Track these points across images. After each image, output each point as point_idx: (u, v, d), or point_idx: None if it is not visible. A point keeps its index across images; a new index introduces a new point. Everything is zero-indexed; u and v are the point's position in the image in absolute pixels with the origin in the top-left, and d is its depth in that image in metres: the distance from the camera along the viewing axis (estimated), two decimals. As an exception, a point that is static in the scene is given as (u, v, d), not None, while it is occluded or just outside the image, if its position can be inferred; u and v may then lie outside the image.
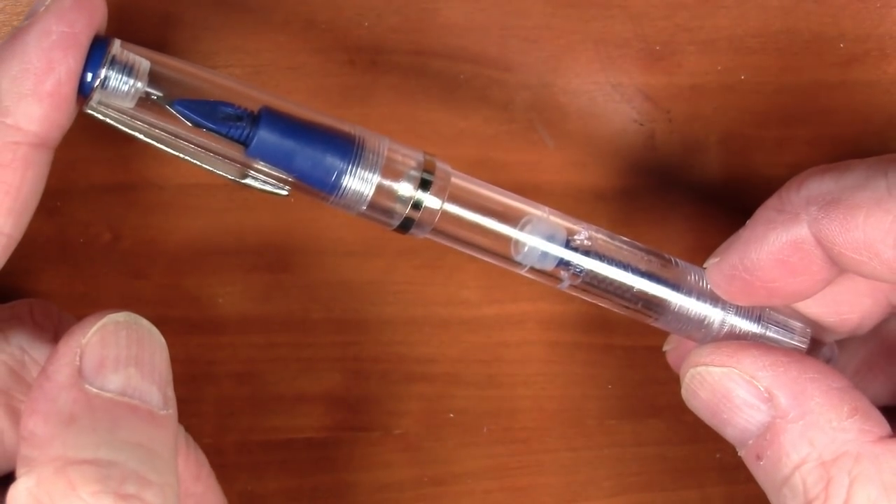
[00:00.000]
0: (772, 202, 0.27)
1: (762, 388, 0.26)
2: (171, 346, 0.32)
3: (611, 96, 0.32)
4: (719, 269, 0.28)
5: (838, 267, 0.27)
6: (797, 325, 0.29)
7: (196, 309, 0.32)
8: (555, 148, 0.33)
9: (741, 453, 0.27)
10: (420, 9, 0.31)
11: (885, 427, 0.26)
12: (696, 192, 0.34)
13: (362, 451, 0.34)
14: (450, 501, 0.35)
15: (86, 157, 0.30)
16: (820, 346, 0.29)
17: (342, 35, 0.30)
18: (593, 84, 0.32)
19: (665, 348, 0.30)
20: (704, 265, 0.28)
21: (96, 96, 0.24)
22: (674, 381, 0.36)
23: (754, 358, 0.26)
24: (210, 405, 0.33)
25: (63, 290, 0.31)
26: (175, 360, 0.32)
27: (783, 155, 0.34)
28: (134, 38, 0.29)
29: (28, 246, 0.30)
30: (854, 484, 0.25)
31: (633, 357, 0.35)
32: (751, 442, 0.26)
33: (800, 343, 0.29)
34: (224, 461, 0.33)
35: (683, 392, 0.28)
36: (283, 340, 0.33)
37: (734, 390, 0.26)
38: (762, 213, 0.27)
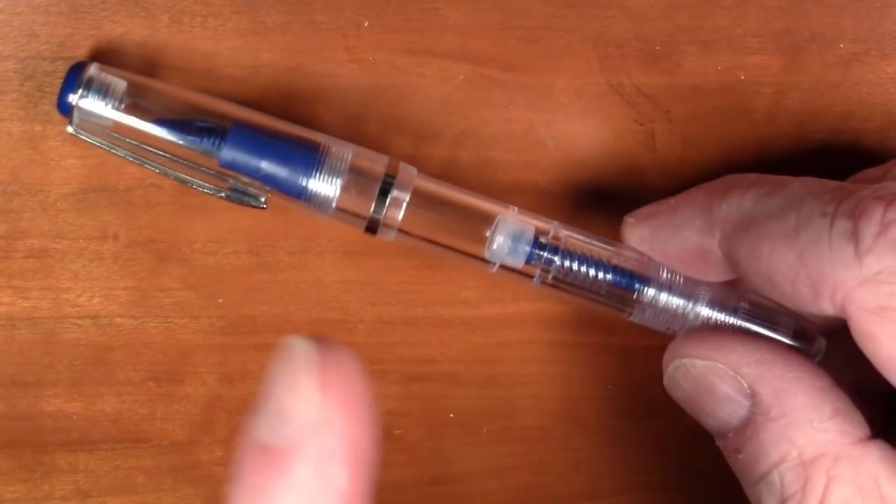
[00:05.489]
0: (698, 197, 0.28)
1: (745, 385, 0.26)
2: (169, 346, 0.32)
3: (611, 96, 0.32)
4: (633, 232, 0.29)
5: (738, 274, 0.27)
6: (782, 318, 0.29)
7: (195, 309, 0.32)
8: (555, 148, 0.33)
9: (719, 443, 0.27)
10: (420, 9, 0.31)
11: (864, 429, 0.26)
12: (696, 192, 0.34)
13: (362, 451, 0.34)
14: (450, 501, 0.35)
15: (85, 156, 0.30)
16: (810, 341, 0.29)
17: (342, 35, 0.30)
18: (593, 84, 0.32)
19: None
20: (624, 218, 0.29)
21: (76, 115, 0.27)
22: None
23: (739, 353, 0.27)
24: (209, 405, 0.33)
25: (66, 291, 0.31)
26: (171, 360, 0.32)
27: (783, 155, 0.34)
28: (133, 39, 0.29)
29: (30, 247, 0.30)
30: (830, 484, 0.25)
31: (632, 357, 0.35)
32: (730, 435, 0.26)
33: (782, 336, 0.29)
34: (223, 461, 0.33)
35: (666, 381, 0.28)
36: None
37: (717, 384, 0.27)
38: (685, 207, 0.28)
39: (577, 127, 0.32)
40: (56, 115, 0.29)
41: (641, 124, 0.33)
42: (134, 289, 0.31)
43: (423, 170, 0.29)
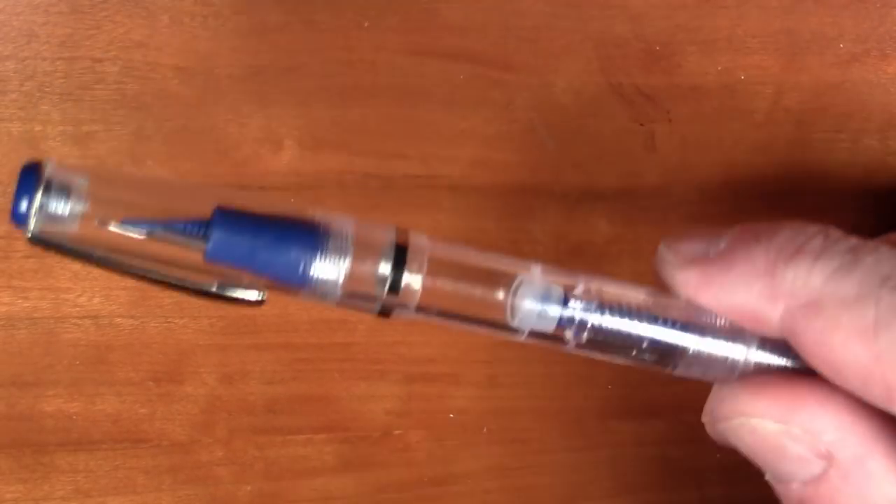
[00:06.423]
0: (758, 255, 0.25)
1: (823, 449, 0.24)
2: (169, 346, 0.32)
3: (611, 96, 0.32)
4: (678, 275, 0.25)
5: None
6: None
7: (195, 309, 0.32)
8: (555, 148, 0.33)
9: (776, 486, 0.25)
10: (420, 9, 0.31)
11: None
12: (696, 192, 0.34)
13: (362, 451, 0.34)
14: (450, 501, 0.35)
15: (84, 156, 0.30)
16: None
17: (342, 35, 0.30)
18: (593, 84, 0.32)
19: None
20: (660, 250, 0.26)
21: (35, 224, 0.22)
22: (674, 381, 0.36)
23: (818, 418, 0.24)
24: (209, 405, 0.33)
25: (66, 291, 0.31)
26: (171, 360, 0.32)
27: (783, 155, 0.34)
28: (133, 39, 0.29)
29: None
30: None
31: (633, 357, 0.35)
32: (795, 485, 0.25)
33: None
34: (223, 461, 0.33)
35: (722, 432, 0.26)
36: (282, 340, 0.32)
37: (791, 447, 0.24)
38: (742, 264, 0.25)
39: (577, 127, 0.32)
40: (56, 115, 0.29)
41: (641, 124, 0.33)
42: (134, 289, 0.31)
43: (423, 169, 0.29)
